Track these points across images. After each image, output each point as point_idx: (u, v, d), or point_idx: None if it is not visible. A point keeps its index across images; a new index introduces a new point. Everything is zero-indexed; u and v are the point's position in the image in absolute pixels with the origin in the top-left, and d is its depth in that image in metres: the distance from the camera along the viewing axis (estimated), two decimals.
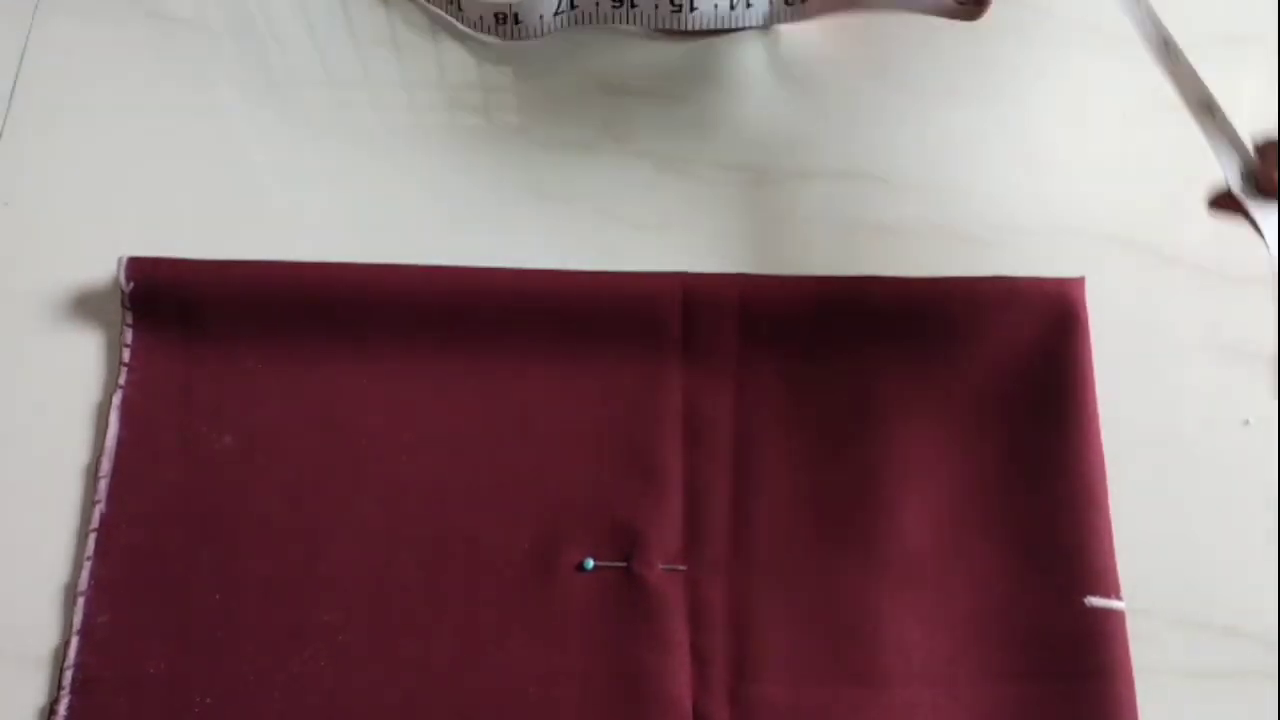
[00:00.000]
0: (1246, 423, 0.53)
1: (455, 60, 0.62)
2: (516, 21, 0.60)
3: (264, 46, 0.62)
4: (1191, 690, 0.49)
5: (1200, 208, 0.58)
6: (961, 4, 0.60)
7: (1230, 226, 0.55)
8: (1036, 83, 0.61)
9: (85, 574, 0.49)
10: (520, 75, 0.61)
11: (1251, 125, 0.52)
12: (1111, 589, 0.49)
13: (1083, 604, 0.49)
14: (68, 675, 0.48)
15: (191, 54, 0.61)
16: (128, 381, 0.52)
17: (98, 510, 0.50)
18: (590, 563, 0.50)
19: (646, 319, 0.53)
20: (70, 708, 0.47)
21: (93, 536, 0.50)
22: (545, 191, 0.58)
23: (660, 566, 0.50)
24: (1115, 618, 0.49)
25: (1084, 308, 0.53)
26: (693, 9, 0.59)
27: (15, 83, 0.60)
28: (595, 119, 0.60)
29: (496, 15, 0.60)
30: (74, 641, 0.48)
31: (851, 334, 0.53)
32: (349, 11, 0.63)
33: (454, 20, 0.62)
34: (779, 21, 0.61)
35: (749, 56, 0.62)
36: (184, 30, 0.62)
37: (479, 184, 0.58)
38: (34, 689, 0.48)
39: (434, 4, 0.62)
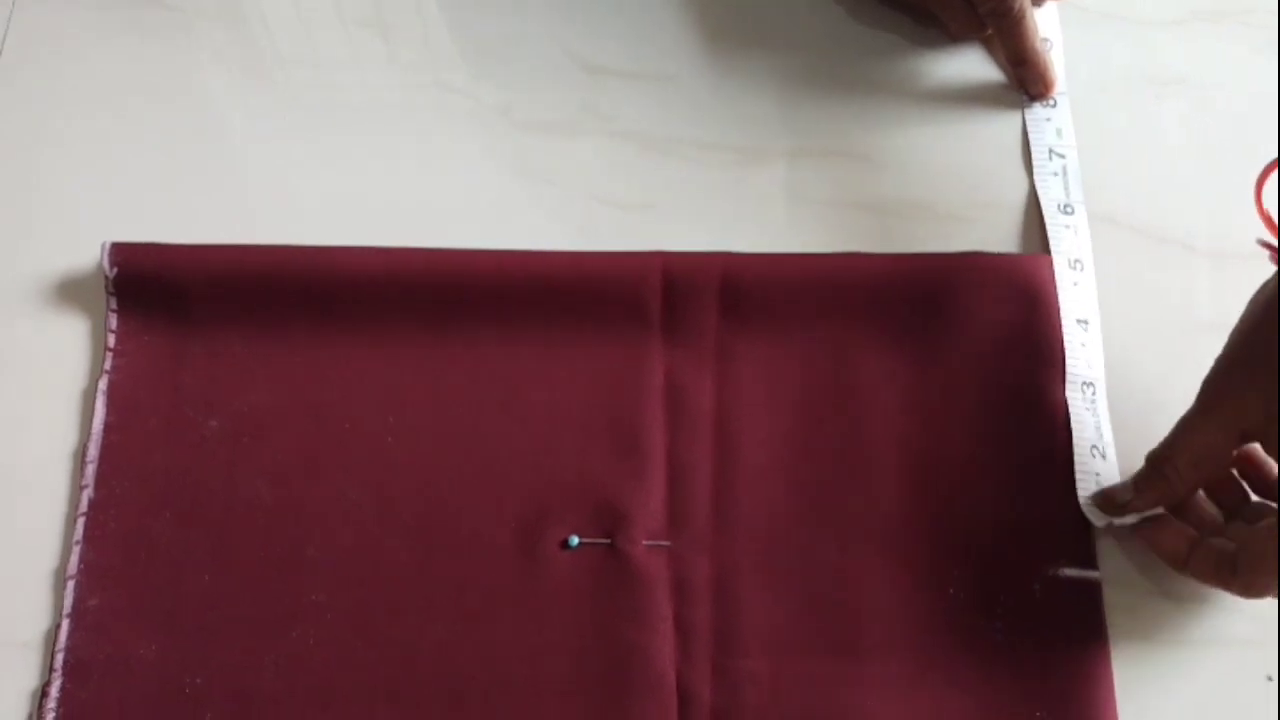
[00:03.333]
0: None
1: (440, 41, 0.62)
2: None
3: (250, 29, 0.62)
4: (1168, 657, 0.50)
5: (1180, 182, 0.58)
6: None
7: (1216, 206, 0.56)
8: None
9: (75, 558, 0.50)
10: (504, 56, 0.61)
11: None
12: (1088, 559, 0.50)
13: (1057, 574, 0.50)
14: (59, 658, 0.48)
15: (176, 38, 0.61)
16: (113, 367, 0.53)
17: (86, 495, 0.51)
18: (575, 540, 0.50)
19: (628, 299, 0.54)
20: (62, 690, 0.48)
21: (81, 521, 0.50)
22: (529, 172, 0.58)
23: (644, 543, 0.50)
24: (1091, 587, 0.50)
25: (1052, 283, 0.54)
26: None
27: None
28: (578, 100, 0.60)
29: None
30: (64, 625, 0.49)
31: (831, 310, 0.54)
32: None
33: None
34: None
35: (731, 37, 0.62)
36: (168, 14, 0.62)
37: (463, 166, 0.59)
38: (26, 672, 0.48)
39: None
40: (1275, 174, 0.50)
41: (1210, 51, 0.62)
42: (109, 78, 0.60)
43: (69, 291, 0.55)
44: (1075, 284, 0.55)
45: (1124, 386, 0.54)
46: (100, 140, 0.59)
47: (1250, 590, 0.46)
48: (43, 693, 0.48)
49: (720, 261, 0.54)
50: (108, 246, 0.53)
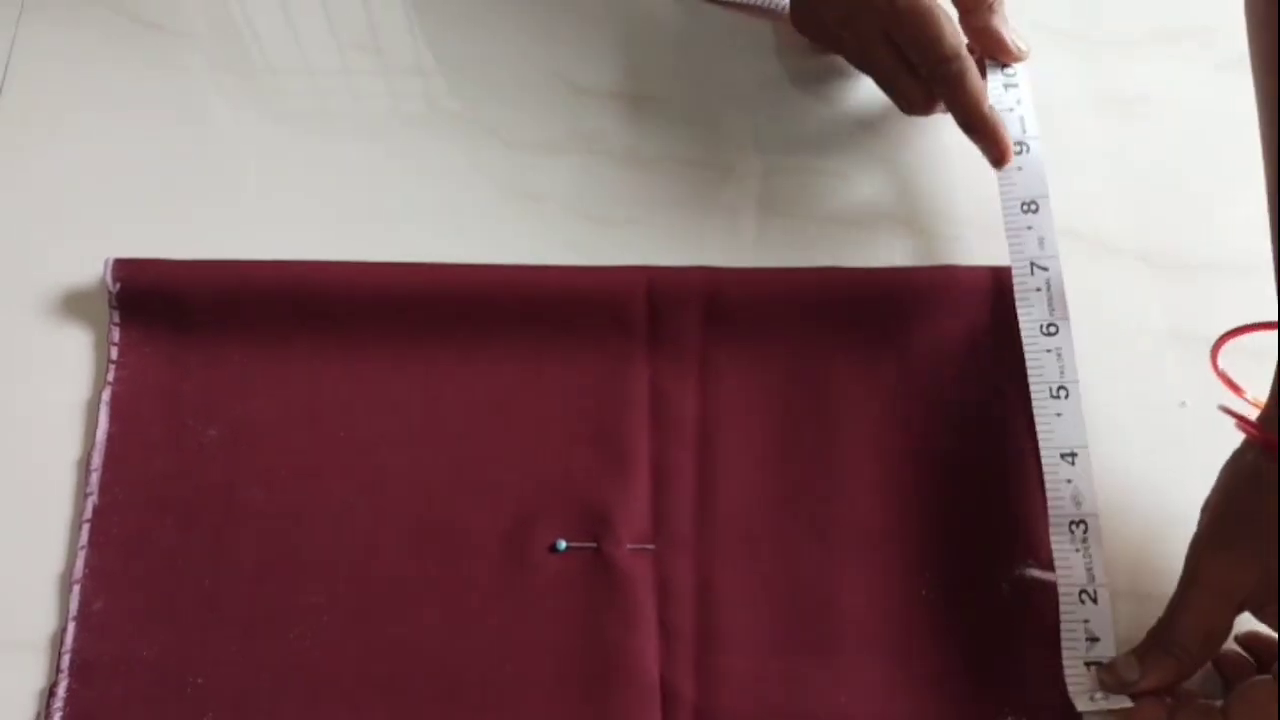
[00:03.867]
0: (1183, 404, 0.56)
1: (431, 63, 0.64)
2: None
3: (246, 51, 0.64)
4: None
5: (1141, 198, 0.61)
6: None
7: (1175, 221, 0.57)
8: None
9: (80, 562, 0.51)
10: (493, 78, 0.63)
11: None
12: (1048, 562, 0.52)
13: (1024, 575, 0.52)
14: (65, 659, 0.49)
15: (174, 57, 0.63)
16: (116, 378, 0.54)
17: (90, 501, 0.52)
18: (562, 544, 0.52)
19: (614, 312, 0.56)
20: (68, 690, 0.49)
21: (86, 527, 0.52)
22: (517, 189, 0.60)
23: (629, 546, 0.52)
24: (1053, 588, 0.51)
25: (1009, 294, 0.56)
26: None
27: (0, 89, 0.62)
28: (564, 119, 0.62)
29: None
30: (70, 627, 0.50)
31: (810, 322, 0.56)
32: (329, 11, 0.65)
33: None
34: None
35: (710, 58, 0.64)
36: (166, 34, 0.64)
37: (454, 183, 0.61)
38: (33, 673, 0.50)
39: None
40: (1233, 339, 0.49)
41: (1170, 71, 0.64)
42: (111, 99, 0.62)
43: (73, 306, 0.56)
44: (1059, 414, 0.53)
45: (1084, 397, 0.55)
46: (102, 159, 0.60)
47: None
48: (50, 692, 0.49)
49: (703, 276, 0.56)
50: (110, 263, 0.55)
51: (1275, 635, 0.47)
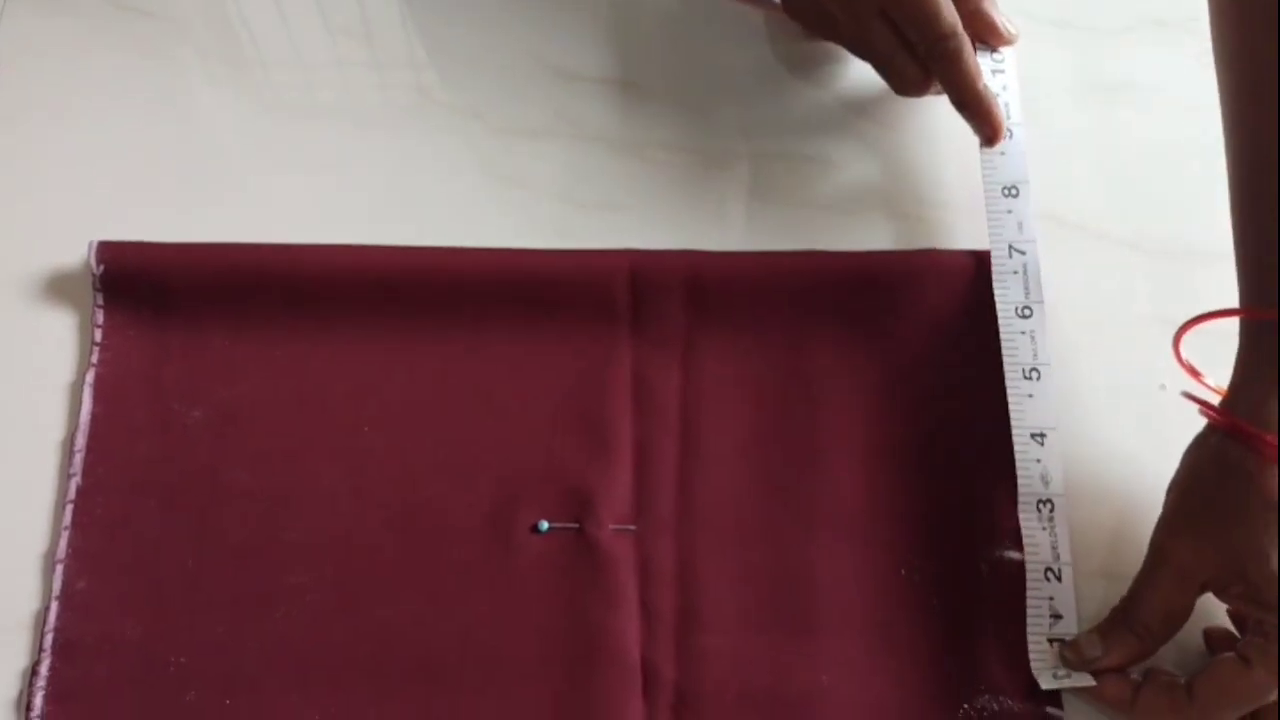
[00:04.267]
0: (1163, 387, 0.56)
1: (420, 50, 0.64)
2: None
3: (234, 34, 0.64)
4: None
5: (1125, 184, 0.61)
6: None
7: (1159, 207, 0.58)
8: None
9: (63, 543, 0.51)
10: (480, 64, 0.64)
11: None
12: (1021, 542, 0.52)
13: (1003, 556, 0.52)
14: (48, 638, 0.50)
15: (160, 41, 0.63)
16: (100, 360, 0.55)
17: (74, 482, 0.52)
18: (545, 525, 0.52)
19: (597, 295, 0.56)
20: (51, 669, 0.49)
21: (69, 507, 0.52)
22: (502, 174, 0.61)
23: (611, 527, 0.52)
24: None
25: (989, 278, 0.56)
26: None
27: None
28: (550, 104, 0.62)
29: None
30: (53, 607, 0.50)
31: (792, 306, 0.56)
32: None
33: None
34: None
35: (694, 44, 0.64)
36: (152, 19, 0.64)
37: (439, 168, 0.61)
38: (16, 652, 0.50)
39: None
40: (1196, 326, 0.49)
41: (1156, 58, 0.65)
42: (95, 81, 0.62)
43: (57, 288, 0.56)
44: (1030, 395, 0.54)
45: (1065, 380, 0.56)
46: (87, 142, 0.60)
47: (1206, 717, 0.46)
48: (33, 671, 0.49)
49: (686, 260, 0.56)
50: (94, 245, 0.55)
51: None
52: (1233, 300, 0.50)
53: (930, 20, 0.55)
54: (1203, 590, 0.47)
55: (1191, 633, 0.50)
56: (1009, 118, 0.59)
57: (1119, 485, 0.54)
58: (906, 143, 0.62)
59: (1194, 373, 0.49)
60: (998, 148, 0.58)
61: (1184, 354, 0.50)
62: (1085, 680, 0.49)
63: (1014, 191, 0.57)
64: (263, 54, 0.64)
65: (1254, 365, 0.47)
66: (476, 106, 0.62)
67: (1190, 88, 0.63)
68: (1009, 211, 0.57)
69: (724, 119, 0.62)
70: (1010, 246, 0.56)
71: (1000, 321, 0.55)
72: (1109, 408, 0.56)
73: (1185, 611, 0.48)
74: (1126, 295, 0.59)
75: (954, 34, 0.56)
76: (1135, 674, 0.49)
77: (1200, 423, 0.48)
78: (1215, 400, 0.48)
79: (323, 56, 0.64)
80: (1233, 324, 0.49)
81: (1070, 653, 0.49)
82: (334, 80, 0.63)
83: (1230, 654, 0.47)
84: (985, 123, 0.57)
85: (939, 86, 0.58)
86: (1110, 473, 0.55)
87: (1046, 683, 0.49)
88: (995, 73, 0.60)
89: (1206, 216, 0.59)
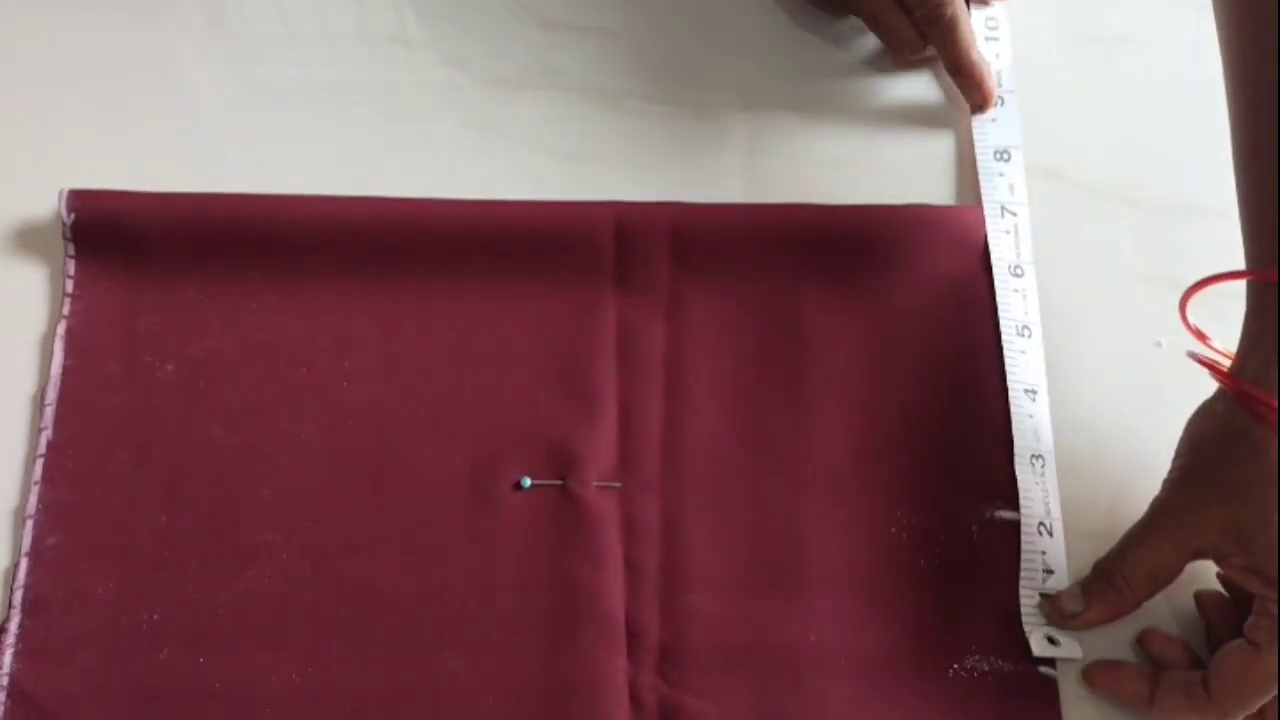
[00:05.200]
0: (1159, 344, 0.55)
1: None
2: None
3: None
4: None
5: (1121, 139, 0.60)
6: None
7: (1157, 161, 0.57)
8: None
9: (33, 498, 0.50)
10: (458, 10, 0.62)
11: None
12: (1017, 503, 0.52)
13: (994, 516, 0.52)
14: (18, 595, 0.49)
15: None
16: (71, 312, 0.53)
17: (44, 436, 0.51)
18: (527, 482, 0.51)
19: (580, 248, 0.55)
20: (21, 626, 0.48)
21: (39, 462, 0.51)
22: (482, 125, 0.59)
23: (595, 484, 0.51)
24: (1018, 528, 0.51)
25: (981, 234, 0.56)
26: None
27: None
28: (531, 54, 0.61)
29: None
30: (23, 563, 0.49)
31: (779, 260, 0.55)
32: None
33: None
34: None
35: None
36: None
37: (420, 118, 0.59)
38: None
39: None
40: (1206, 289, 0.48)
41: (1152, 10, 0.63)
42: (68, 32, 0.60)
43: (27, 239, 0.55)
44: (1023, 351, 0.54)
45: (1063, 336, 0.55)
46: (57, 92, 0.59)
47: (1227, 712, 0.46)
48: (2, 629, 0.48)
49: (671, 211, 0.55)
50: (65, 193, 0.54)
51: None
52: (1231, 259, 0.49)
53: None
54: (1197, 556, 0.47)
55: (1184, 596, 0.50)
56: (1000, 85, 0.59)
57: (1112, 443, 0.54)
58: (898, 95, 0.61)
59: (1200, 335, 0.49)
60: (989, 114, 0.58)
61: (1188, 313, 0.49)
62: (1074, 650, 0.49)
63: (1006, 156, 0.58)
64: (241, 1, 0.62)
65: (1261, 328, 0.46)
66: (457, 55, 0.61)
67: (1186, 39, 0.62)
68: (1001, 174, 0.57)
69: (709, 70, 0.61)
70: (1002, 207, 0.57)
71: (995, 280, 0.55)
72: (1104, 366, 0.55)
73: (1173, 574, 0.47)
74: (1121, 252, 0.58)
75: (951, 0, 0.56)
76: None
77: (1199, 381, 0.47)
78: (1223, 364, 0.47)
79: (303, 2, 0.62)
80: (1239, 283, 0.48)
81: (1051, 608, 0.49)
82: (315, 25, 0.62)
83: (1238, 641, 0.46)
84: (976, 90, 0.58)
85: (933, 49, 0.58)
86: (1104, 431, 0.54)
87: (1039, 647, 0.49)
88: (989, 39, 0.60)
89: (1202, 172, 0.58)
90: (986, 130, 0.58)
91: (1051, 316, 0.55)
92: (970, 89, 0.58)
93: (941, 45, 0.57)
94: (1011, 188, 0.57)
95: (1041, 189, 0.58)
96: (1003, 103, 0.59)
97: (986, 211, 0.56)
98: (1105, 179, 0.59)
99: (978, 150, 0.58)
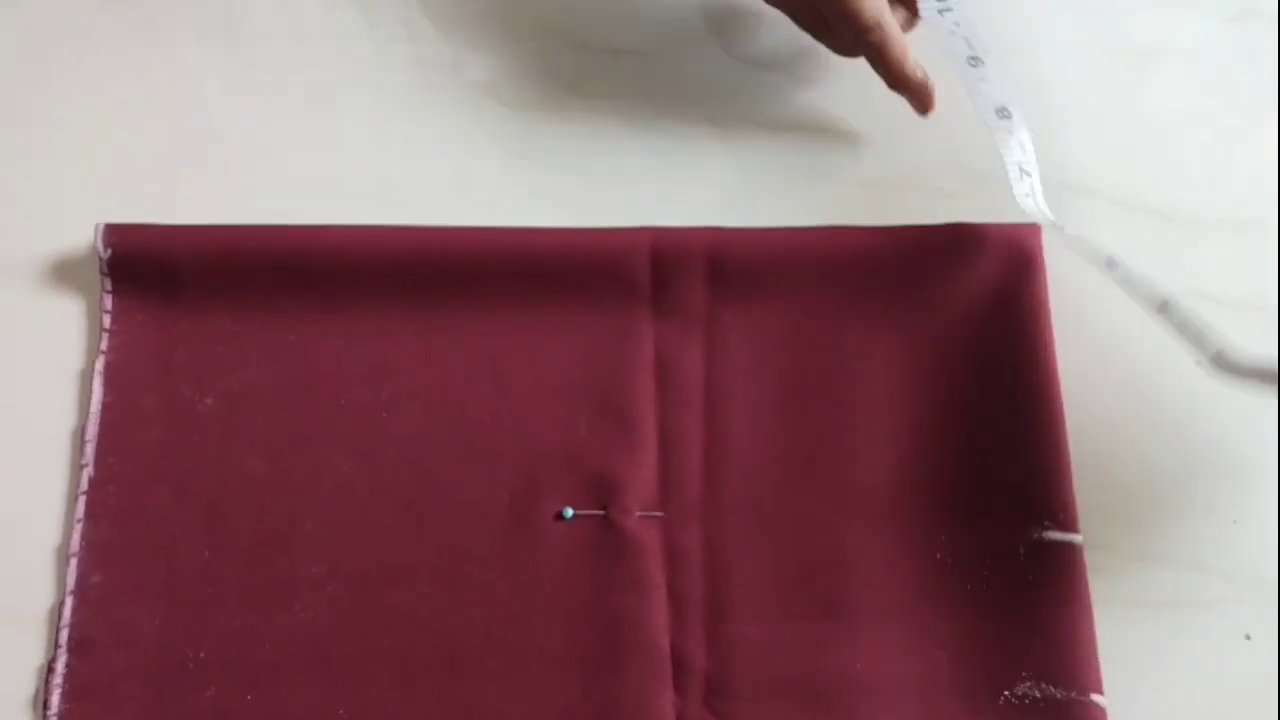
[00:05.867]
0: (1198, 363, 0.55)
1: (423, 18, 0.62)
2: None
3: (231, 10, 0.62)
4: (1150, 620, 0.51)
5: (1151, 155, 0.59)
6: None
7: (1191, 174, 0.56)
8: (992, 37, 0.62)
9: (76, 535, 0.50)
10: (489, 33, 0.62)
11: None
12: (1070, 523, 0.51)
13: (1043, 538, 0.51)
14: (63, 634, 0.49)
15: (158, 18, 0.61)
16: (109, 347, 0.53)
17: (85, 473, 0.51)
18: (569, 512, 0.51)
19: (617, 274, 0.54)
20: (68, 665, 0.48)
21: (82, 499, 0.51)
22: (515, 150, 0.59)
23: (637, 513, 0.51)
24: (1074, 551, 0.51)
25: (1040, 252, 0.55)
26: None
27: None
28: (564, 77, 0.61)
29: None
30: (68, 601, 0.49)
31: (818, 282, 0.55)
32: None
33: None
34: None
35: (717, 14, 0.62)
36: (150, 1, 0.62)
37: (449, 143, 0.59)
38: (32, 648, 0.49)
39: None
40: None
41: (1182, 24, 0.63)
42: (97, 63, 0.60)
43: (64, 273, 0.55)
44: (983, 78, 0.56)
45: (1093, 352, 0.55)
46: (91, 124, 0.59)
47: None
48: (48, 668, 0.48)
49: (708, 236, 0.55)
50: (101, 228, 0.54)
51: None
52: (1267, 273, 0.48)
53: (851, 18, 0.55)
54: None
55: None
56: (971, 47, 0.57)
57: (1157, 462, 0.53)
58: (937, 115, 0.60)
59: None
60: (976, 74, 0.57)
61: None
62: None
63: (1007, 113, 0.57)
64: (264, 29, 0.62)
65: None
66: (489, 78, 0.61)
67: (1216, 52, 0.62)
68: (1009, 132, 0.57)
69: (748, 92, 0.61)
70: (1019, 168, 0.56)
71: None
72: (1146, 382, 0.54)
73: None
74: (1164, 267, 0.57)
75: (877, 26, 0.56)
76: None
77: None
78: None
79: (322, 29, 0.62)
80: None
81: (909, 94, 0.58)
82: (337, 51, 0.61)
83: None
84: (915, 97, 0.59)
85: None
86: (1150, 447, 0.53)
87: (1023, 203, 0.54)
88: (943, 11, 0.57)
89: (1241, 185, 0.58)
90: (982, 92, 0.57)
91: (1088, 333, 0.55)
92: (910, 98, 0.59)
93: (874, 64, 0.57)
94: (1022, 145, 0.57)
95: (1074, 206, 0.58)
96: (982, 63, 0.57)
97: (1009, 173, 0.56)
98: (1139, 194, 0.59)
99: (981, 117, 0.57)
